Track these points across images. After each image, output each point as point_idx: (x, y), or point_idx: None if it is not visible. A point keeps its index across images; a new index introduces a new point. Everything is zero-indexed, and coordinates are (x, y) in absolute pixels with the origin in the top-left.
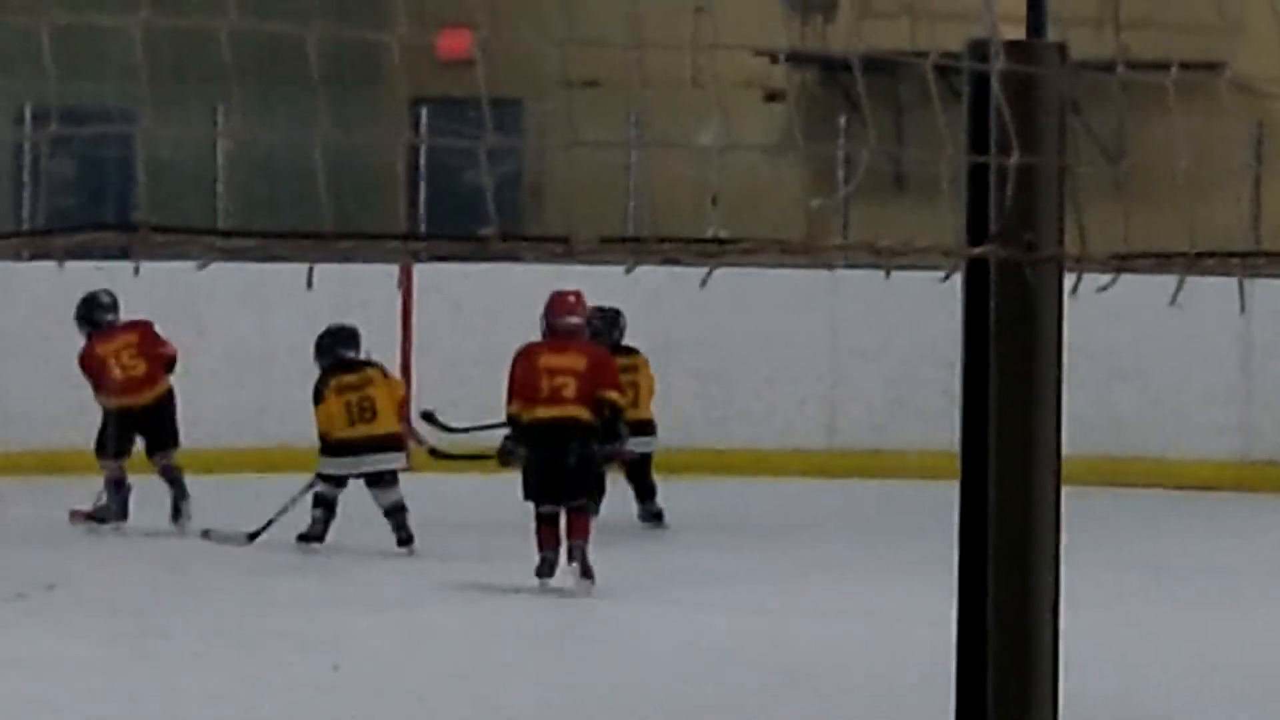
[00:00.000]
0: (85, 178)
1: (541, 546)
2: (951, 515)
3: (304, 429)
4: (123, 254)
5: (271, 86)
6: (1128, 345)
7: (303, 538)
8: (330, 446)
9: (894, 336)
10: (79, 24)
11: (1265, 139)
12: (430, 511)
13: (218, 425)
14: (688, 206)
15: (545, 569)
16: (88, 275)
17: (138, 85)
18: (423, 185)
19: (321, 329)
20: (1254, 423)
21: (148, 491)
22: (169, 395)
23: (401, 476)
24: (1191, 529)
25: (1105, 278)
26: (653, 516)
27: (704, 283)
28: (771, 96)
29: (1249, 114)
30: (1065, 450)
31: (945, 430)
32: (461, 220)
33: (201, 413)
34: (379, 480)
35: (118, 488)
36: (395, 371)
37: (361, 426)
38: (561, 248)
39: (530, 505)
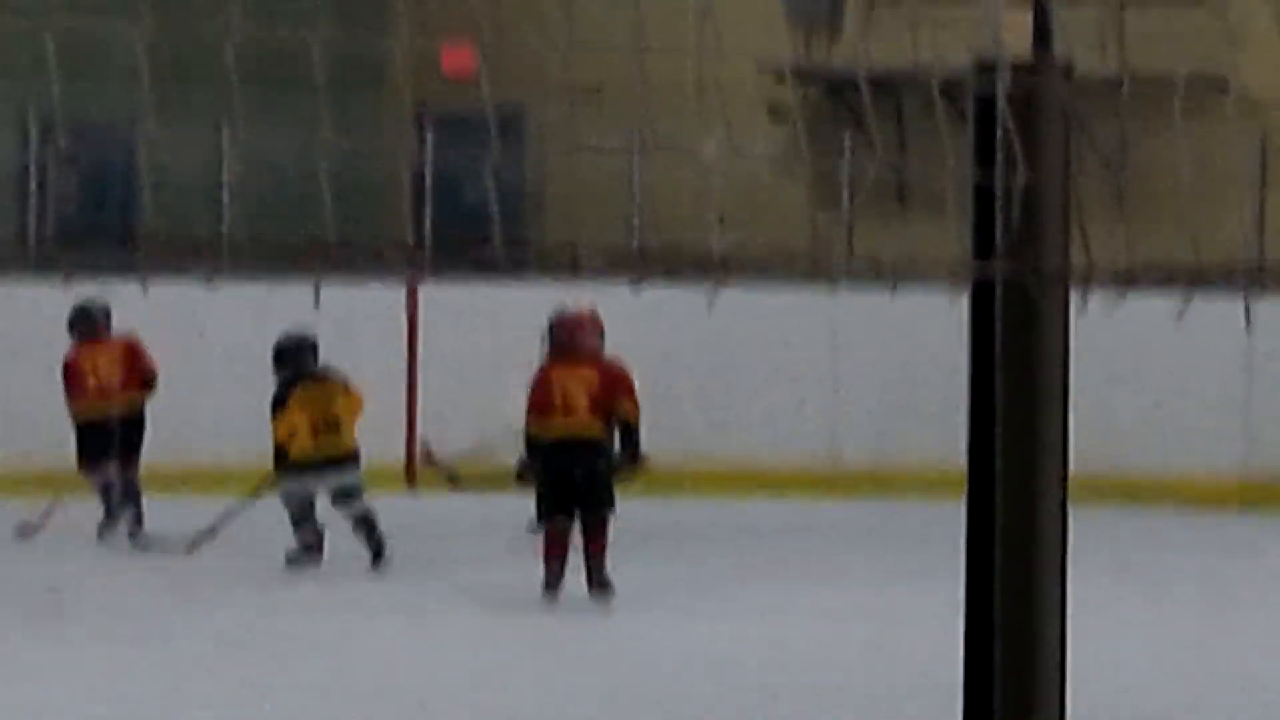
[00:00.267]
0: (88, 187)
1: (547, 561)
2: (953, 523)
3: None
4: (126, 269)
5: (275, 95)
6: (1127, 352)
7: (295, 559)
8: (290, 463)
9: (895, 343)
10: (83, 33)
11: (1269, 152)
12: (435, 521)
13: (219, 429)
14: (691, 215)
15: (551, 584)
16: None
17: (141, 93)
18: (429, 202)
19: (280, 336)
20: (1255, 432)
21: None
22: (140, 411)
23: (407, 492)
24: (1192, 538)
25: (1111, 293)
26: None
27: (710, 305)
28: (776, 113)
29: (1253, 128)
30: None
31: (948, 437)
32: (465, 227)
33: (202, 415)
34: (344, 495)
35: (110, 491)
36: (400, 380)
37: (324, 442)
38: (568, 269)
39: (543, 521)
